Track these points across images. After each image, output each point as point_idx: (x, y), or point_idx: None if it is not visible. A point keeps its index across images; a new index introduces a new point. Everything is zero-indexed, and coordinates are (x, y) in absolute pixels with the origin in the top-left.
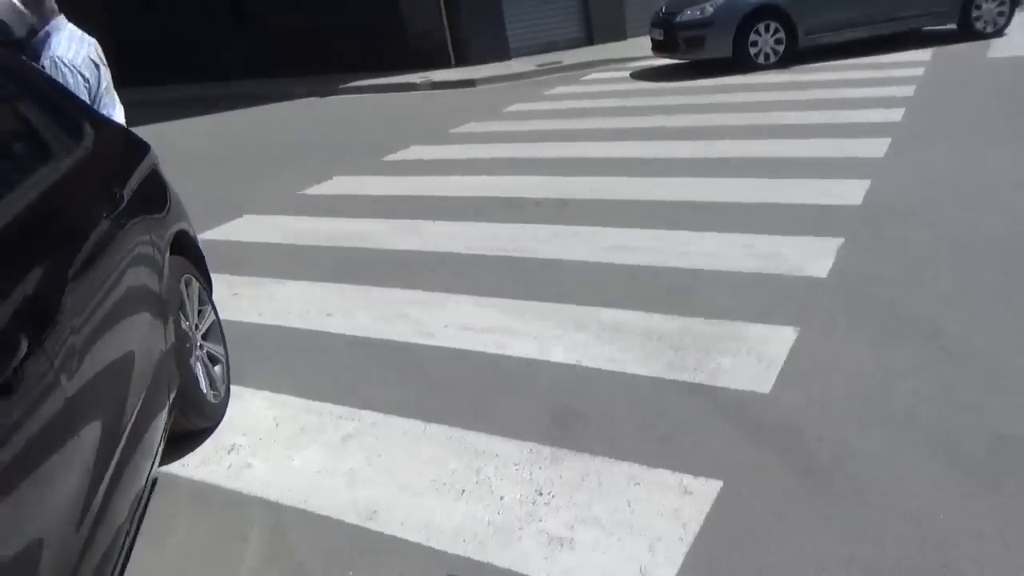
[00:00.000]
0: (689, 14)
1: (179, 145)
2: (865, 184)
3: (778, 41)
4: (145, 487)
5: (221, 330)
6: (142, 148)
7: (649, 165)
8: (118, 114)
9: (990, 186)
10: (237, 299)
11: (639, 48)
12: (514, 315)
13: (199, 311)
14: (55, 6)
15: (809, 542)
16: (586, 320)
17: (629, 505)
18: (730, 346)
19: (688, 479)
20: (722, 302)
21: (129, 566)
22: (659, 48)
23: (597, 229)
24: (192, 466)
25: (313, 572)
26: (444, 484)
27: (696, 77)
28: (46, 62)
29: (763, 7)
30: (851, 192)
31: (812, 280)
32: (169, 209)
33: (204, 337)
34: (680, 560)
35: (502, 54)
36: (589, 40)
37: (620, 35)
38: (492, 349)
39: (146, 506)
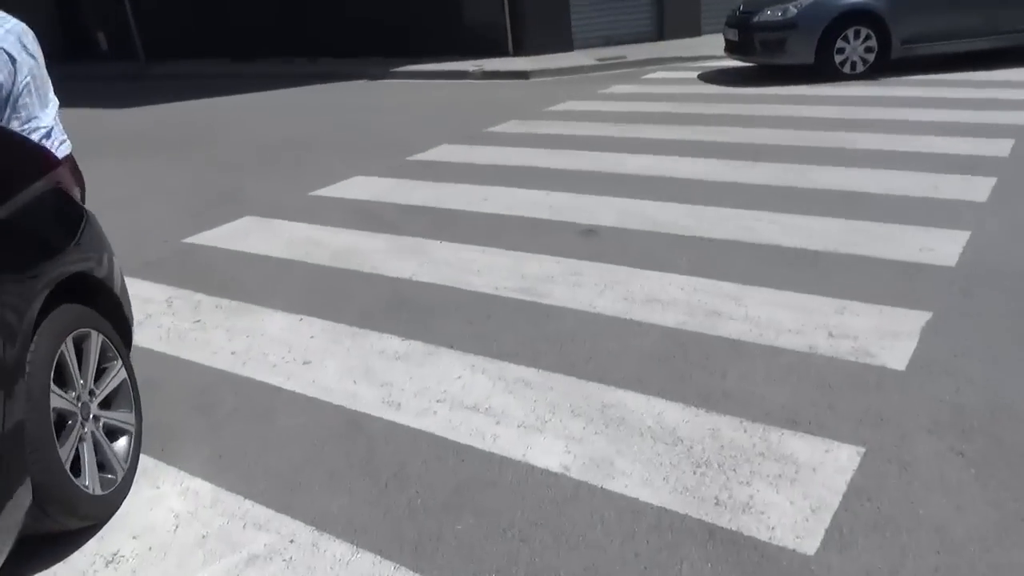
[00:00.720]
0: (769, 14)
1: (207, 127)
2: (962, 238)
3: (868, 49)
4: None
5: (134, 391)
6: (36, 165)
7: (698, 189)
8: (46, 116)
9: None
10: (200, 329)
11: (712, 46)
12: (504, 386)
13: (101, 371)
14: None
15: None
16: (587, 402)
17: None
18: (769, 469)
19: None
20: (766, 399)
21: None
22: (733, 49)
23: (627, 271)
24: None
25: None
26: None
27: (771, 84)
28: None
29: (855, 11)
30: (943, 248)
31: (885, 374)
32: (65, 244)
33: (106, 404)
34: None
35: (564, 45)
36: (659, 35)
37: (694, 31)
38: (463, 437)
39: None
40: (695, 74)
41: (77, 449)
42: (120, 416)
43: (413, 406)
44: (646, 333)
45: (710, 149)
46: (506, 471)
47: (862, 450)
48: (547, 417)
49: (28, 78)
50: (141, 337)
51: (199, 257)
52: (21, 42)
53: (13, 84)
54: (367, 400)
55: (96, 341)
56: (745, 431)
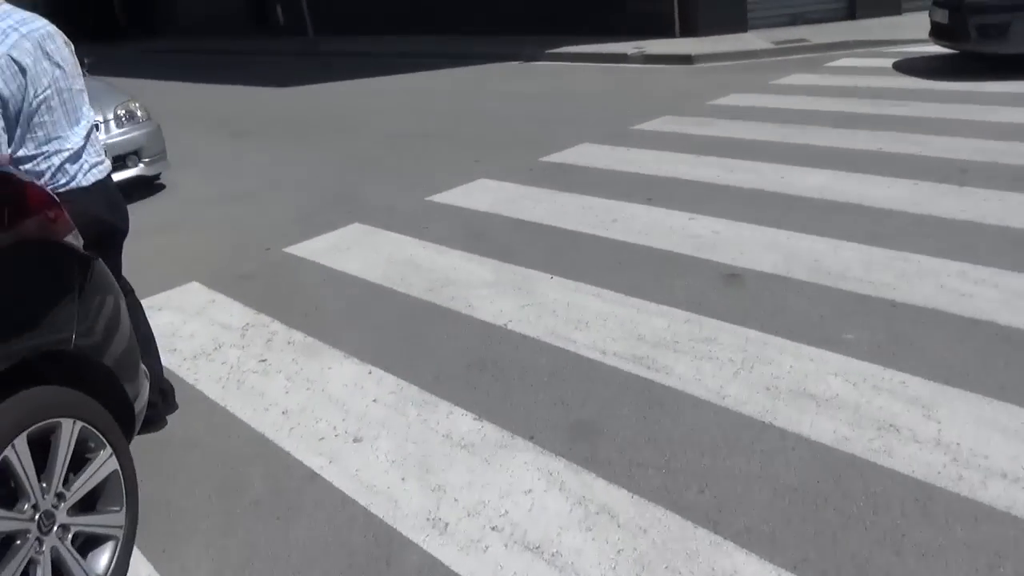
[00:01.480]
0: None
1: (349, 111)
2: None
3: None
4: None
5: (128, 483)
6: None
7: (888, 224)
8: (74, 136)
9: None
10: (263, 372)
11: (914, 28)
12: (583, 515)
13: (80, 463)
14: None
15: None
16: (690, 562)
17: None
18: None
19: None
20: None
21: None
22: (940, 34)
23: (777, 343)
24: None
25: None
26: None
27: (987, 77)
28: None
29: None
30: None
31: None
32: (35, 314)
33: (86, 505)
34: None
35: (738, 25)
36: (851, 13)
37: (893, 9)
38: None
39: None
40: (890, 62)
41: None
42: (103, 520)
43: (463, 531)
44: (789, 450)
45: (905, 165)
46: None
47: None
48: None
49: (48, 91)
50: (202, 375)
51: (293, 272)
52: (43, 49)
53: (24, 99)
54: (411, 512)
55: (70, 432)
56: None
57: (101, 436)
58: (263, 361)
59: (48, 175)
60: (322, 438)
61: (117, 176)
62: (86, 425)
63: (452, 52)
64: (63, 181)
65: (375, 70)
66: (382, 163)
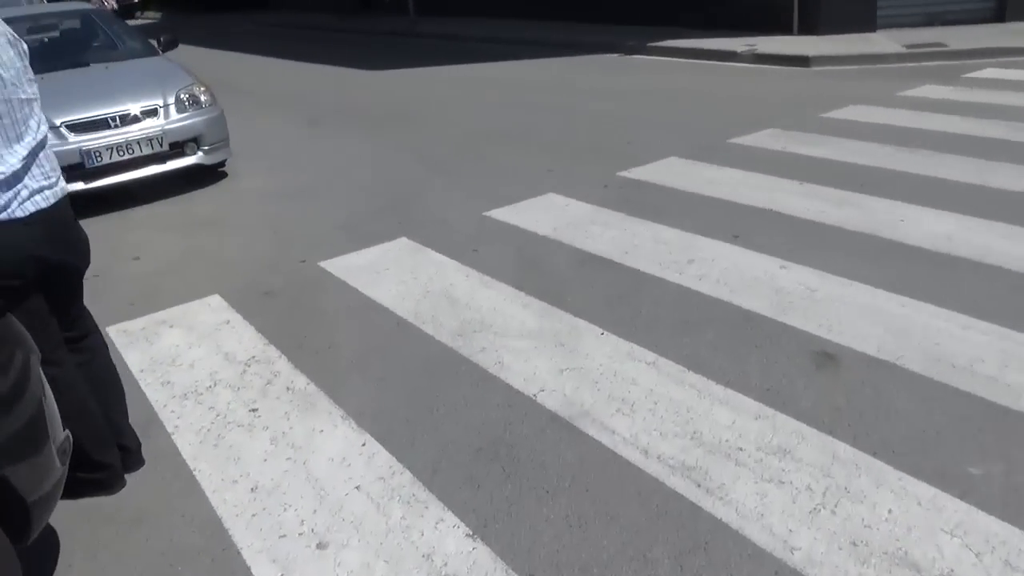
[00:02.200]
0: None
1: (428, 102)
2: None
3: None
4: None
5: None
6: None
7: None
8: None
9: None
10: (248, 427)
11: None
12: None
13: None
14: None
15: None
16: None
17: None
18: None
19: None
20: None
21: None
22: None
23: (877, 468)
24: None
25: None
26: None
27: None
28: None
29: None
30: None
31: None
32: None
33: None
34: None
35: (865, 23)
36: (999, 15)
37: None
38: None
39: None
40: None
41: None
42: None
43: None
44: None
45: None
46: None
47: None
48: None
49: None
50: (183, 423)
51: (319, 294)
52: None
53: None
54: None
55: None
56: None
57: None
58: (253, 411)
59: None
60: (283, 535)
61: (174, 164)
62: None
63: (553, 40)
64: None
65: (468, 56)
66: (450, 164)
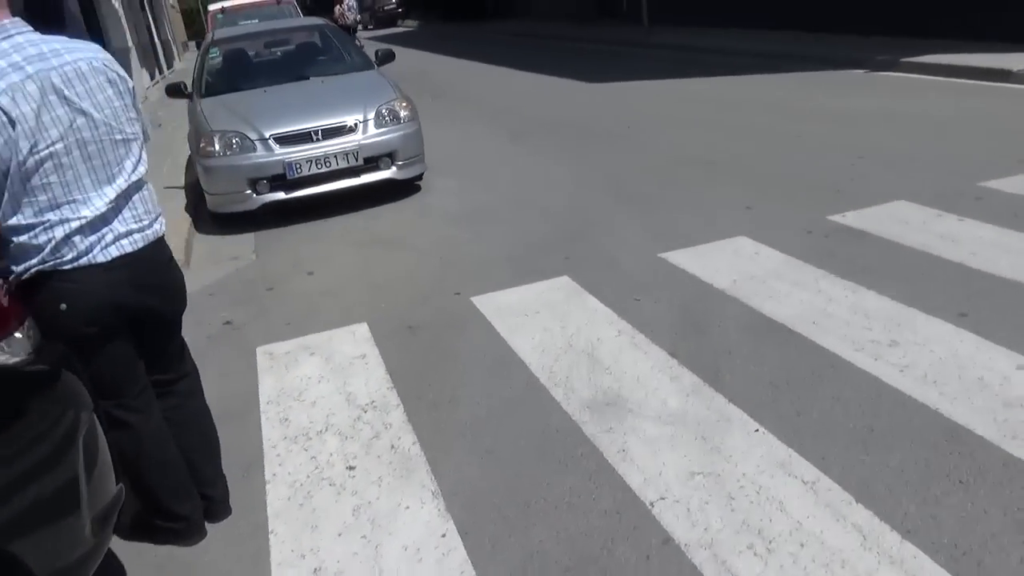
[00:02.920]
0: None
1: (638, 120)
2: None
3: None
4: None
5: None
6: None
7: None
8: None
9: None
10: (335, 493)
11: None
12: None
13: None
14: None
15: None
16: None
17: None
18: None
19: None
20: None
21: None
22: None
23: None
24: None
25: None
26: None
27: None
28: None
29: None
30: None
31: None
32: None
33: None
34: None
35: None
36: None
37: None
38: None
39: None
40: None
41: None
42: None
43: None
44: None
45: None
46: None
47: None
48: None
49: (58, 145)
50: (280, 473)
51: (461, 335)
52: (58, 92)
53: (13, 156)
54: None
55: None
56: None
57: None
58: (350, 468)
59: (47, 250)
60: None
61: (368, 178)
62: None
63: (793, 53)
64: (69, 257)
65: (697, 69)
66: (641, 193)
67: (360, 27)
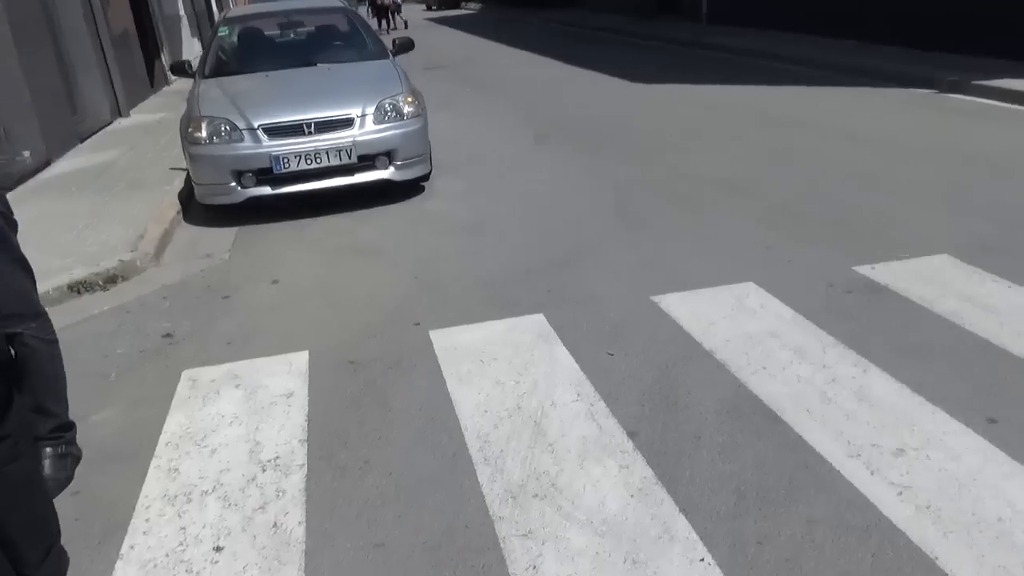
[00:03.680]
0: None
1: (681, 130)
2: None
3: None
4: None
5: None
6: None
7: None
8: None
9: None
10: None
11: None
12: None
13: None
14: None
15: None
16: None
17: None
18: None
19: None
20: None
21: None
22: None
23: None
24: None
25: None
26: None
27: None
28: None
29: None
30: None
31: None
32: None
33: None
34: None
35: None
36: None
37: None
38: None
39: None
40: None
41: None
42: None
43: None
44: None
45: None
46: None
47: None
48: None
49: None
50: (143, 544)
51: (403, 378)
52: None
53: None
54: None
55: None
56: None
57: None
58: (217, 550)
59: None
60: None
61: (362, 177)
62: None
63: (854, 66)
64: None
65: (748, 75)
66: (650, 216)
67: (400, 10)
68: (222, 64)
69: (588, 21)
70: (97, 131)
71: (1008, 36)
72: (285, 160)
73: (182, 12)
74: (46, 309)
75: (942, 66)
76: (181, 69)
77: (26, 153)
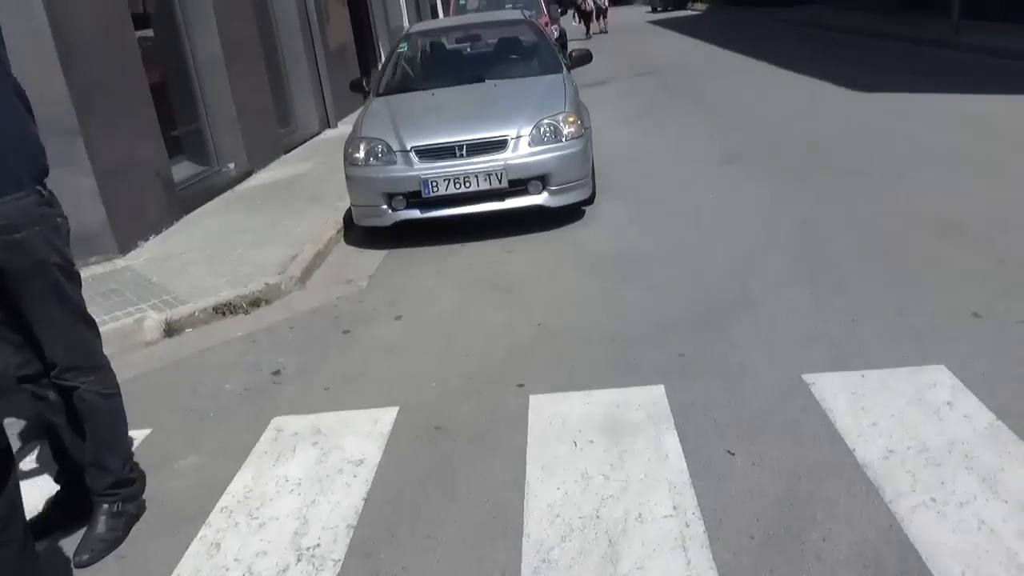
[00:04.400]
0: None
1: (903, 150)
2: None
3: None
4: None
5: None
6: None
7: None
8: None
9: None
10: None
11: None
12: None
13: None
14: None
15: None
16: None
17: None
18: None
19: None
20: None
21: None
22: None
23: None
24: None
25: None
26: None
27: None
28: None
29: None
30: None
31: None
32: None
33: None
34: None
35: None
36: None
37: None
38: None
39: None
40: None
41: None
42: None
43: None
44: None
45: None
46: None
47: None
48: None
49: None
50: None
51: (478, 456)
52: None
53: None
54: None
55: None
56: None
57: None
58: None
59: None
60: None
61: (513, 203)
62: None
63: None
64: None
65: (1007, 82)
66: (833, 265)
67: (606, 13)
68: (395, 81)
69: (826, 20)
70: (303, 143)
71: None
72: (434, 184)
73: (406, 23)
74: (190, 329)
75: None
76: (358, 86)
77: (231, 165)
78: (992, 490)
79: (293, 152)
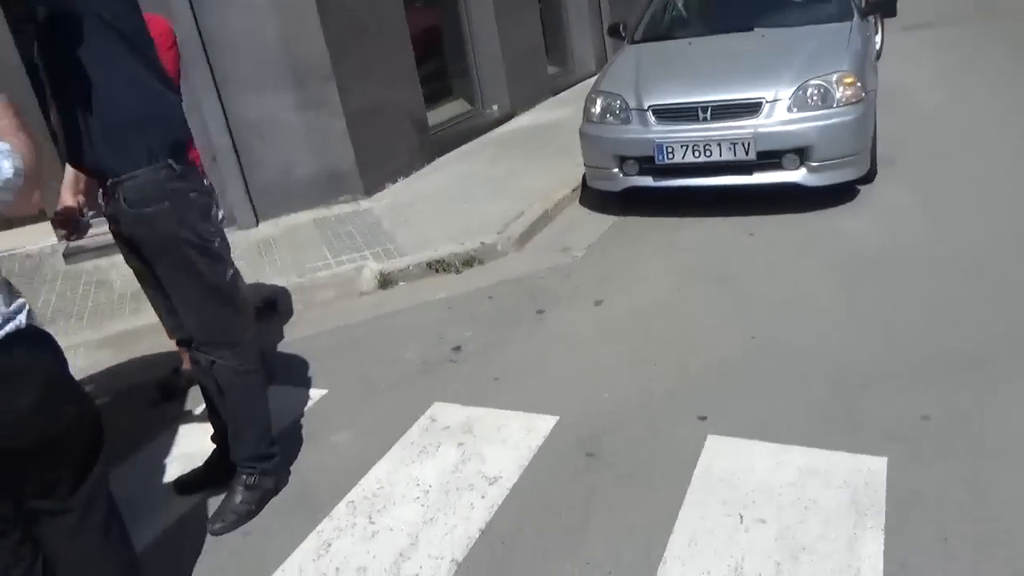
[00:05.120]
0: None
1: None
2: None
3: None
4: None
5: None
6: None
7: None
8: None
9: None
10: None
11: None
12: None
13: None
14: None
15: None
16: None
17: None
18: None
19: None
20: None
21: None
22: None
23: None
24: None
25: None
26: None
27: None
28: None
29: None
30: None
31: None
32: None
33: None
34: None
35: None
36: None
37: None
38: None
39: None
40: None
41: None
42: None
43: None
44: None
45: None
46: None
47: None
48: None
49: None
50: None
51: (641, 491)
52: None
53: None
54: None
55: None
56: None
57: None
58: None
59: None
60: None
61: (760, 178)
62: None
63: None
64: None
65: None
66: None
67: None
68: (654, 27)
69: None
70: (577, 83)
71: None
72: (670, 149)
73: None
74: (403, 283)
75: None
76: (615, 31)
77: (494, 107)
78: None
79: (563, 94)
